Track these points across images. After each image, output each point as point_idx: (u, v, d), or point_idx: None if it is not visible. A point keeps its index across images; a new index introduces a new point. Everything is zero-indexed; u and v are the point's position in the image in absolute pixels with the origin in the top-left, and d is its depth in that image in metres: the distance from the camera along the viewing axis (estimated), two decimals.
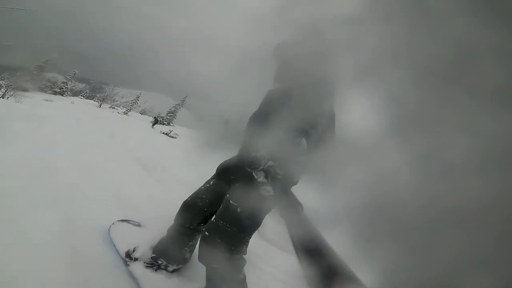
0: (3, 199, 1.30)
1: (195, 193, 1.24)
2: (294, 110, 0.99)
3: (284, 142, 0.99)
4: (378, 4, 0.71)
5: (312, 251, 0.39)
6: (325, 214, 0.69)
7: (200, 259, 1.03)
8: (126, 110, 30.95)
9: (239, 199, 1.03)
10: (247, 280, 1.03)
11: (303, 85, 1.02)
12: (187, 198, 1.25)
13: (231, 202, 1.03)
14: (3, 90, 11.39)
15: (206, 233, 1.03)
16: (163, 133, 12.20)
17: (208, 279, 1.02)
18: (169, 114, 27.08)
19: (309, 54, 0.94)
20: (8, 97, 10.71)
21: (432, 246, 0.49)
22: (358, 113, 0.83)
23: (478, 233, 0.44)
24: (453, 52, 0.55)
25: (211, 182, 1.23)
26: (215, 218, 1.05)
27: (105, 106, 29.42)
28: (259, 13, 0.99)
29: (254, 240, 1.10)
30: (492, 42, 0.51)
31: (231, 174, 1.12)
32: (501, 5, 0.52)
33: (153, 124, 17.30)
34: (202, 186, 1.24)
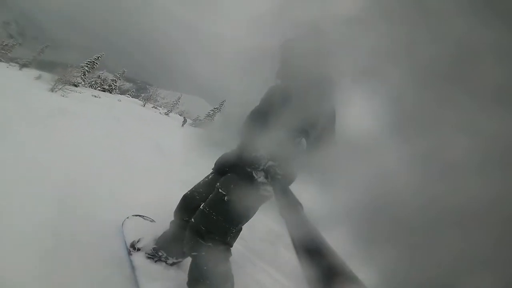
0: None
1: (194, 186, 1.25)
2: (294, 109, 0.99)
3: (284, 142, 0.99)
4: (378, 4, 0.70)
5: (312, 251, 0.39)
6: (325, 214, 0.69)
7: (183, 246, 1.02)
8: (168, 111, 31.50)
9: (227, 188, 1.02)
10: (248, 280, 1.02)
11: (304, 83, 1.01)
12: (186, 191, 1.25)
13: (219, 190, 1.02)
14: (51, 83, 11.13)
15: (193, 220, 1.03)
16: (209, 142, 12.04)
17: (190, 267, 1.00)
18: (207, 118, 27.27)
19: (312, 53, 0.93)
20: (56, 91, 10.48)
21: (432, 246, 0.49)
22: (358, 113, 0.83)
23: (478, 233, 0.44)
24: (453, 52, 0.55)
25: (210, 176, 1.23)
26: (203, 206, 1.04)
27: (148, 105, 30.21)
28: (259, 13, 0.99)
29: (254, 239, 1.11)
30: (492, 42, 0.51)
31: (226, 167, 1.13)
32: (501, 5, 0.52)
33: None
34: (201, 180, 1.25)
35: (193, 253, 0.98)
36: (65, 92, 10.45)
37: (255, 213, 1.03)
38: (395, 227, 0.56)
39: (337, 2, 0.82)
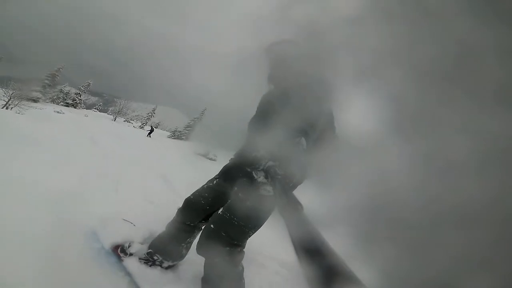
0: None
1: (197, 191, 1.24)
2: (293, 110, 0.99)
3: (283, 142, 0.99)
4: (378, 4, 0.71)
5: (312, 251, 0.39)
6: (325, 214, 0.69)
7: (200, 251, 1.03)
8: (142, 124, 30.47)
9: (247, 193, 1.04)
10: (248, 278, 1.03)
11: (300, 85, 1.02)
12: (189, 195, 1.25)
13: (239, 195, 1.04)
14: (5, 99, 9.93)
15: (212, 225, 1.04)
16: (200, 155, 10.54)
17: (206, 271, 1.02)
18: (187, 128, 25.76)
19: (306, 55, 0.94)
20: (12, 107, 9.31)
21: (431, 246, 0.49)
22: (359, 113, 0.83)
23: (478, 233, 0.44)
24: (453, 52, 0.55)
25: (214, 182, 1.23)
26: (222, 211, 1.05)
27: (120, 119, 29.31)
28: (259, 14, 0.99)
29: (254, 238, 1.11)
30: (493, 42, 0.51)
31: (235, 173, 1.14)
32: (501, 5, 0.52)
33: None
34: (204, 185, 1.25)
35: (211, 257, 1.01)
36: (21, 108, 9.25)
37: (269, 216, 1.05)
38: (395, 227, 0.56)
39: (337, 2, 0.82)
